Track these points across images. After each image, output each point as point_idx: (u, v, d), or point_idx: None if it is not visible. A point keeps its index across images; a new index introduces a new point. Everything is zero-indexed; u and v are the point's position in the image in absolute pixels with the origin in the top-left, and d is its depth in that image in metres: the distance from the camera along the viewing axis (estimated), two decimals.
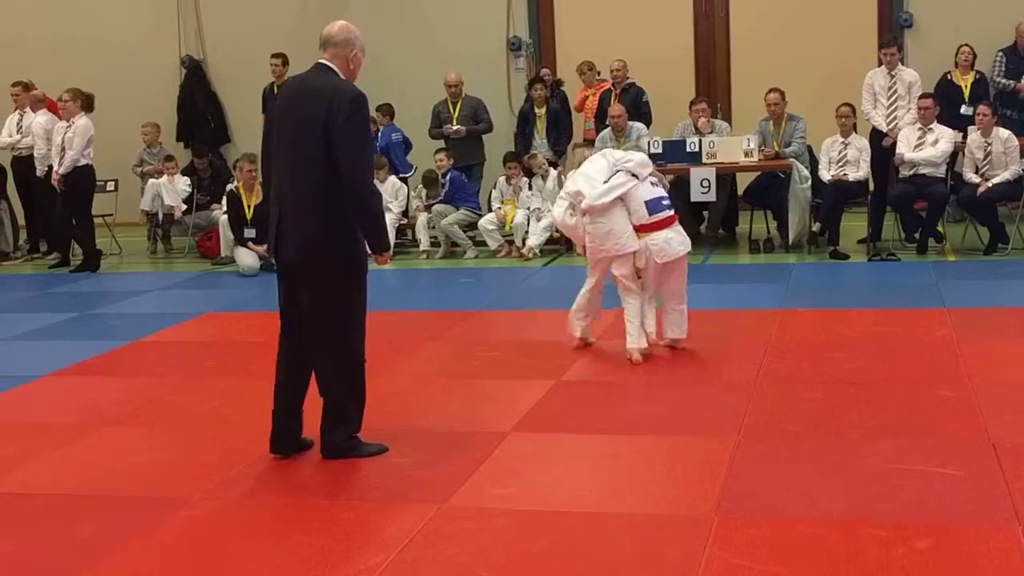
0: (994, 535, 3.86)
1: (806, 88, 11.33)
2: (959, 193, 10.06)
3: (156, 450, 5.31)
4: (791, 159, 10.34)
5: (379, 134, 11.71)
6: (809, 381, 5.95)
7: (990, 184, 9.72)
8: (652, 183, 6.58)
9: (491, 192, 11.44)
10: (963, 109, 10.79)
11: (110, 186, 12.36)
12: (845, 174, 10.08)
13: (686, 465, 4.75)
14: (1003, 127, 10.05)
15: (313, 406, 4.94)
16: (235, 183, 11.15)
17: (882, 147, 10.29)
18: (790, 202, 10.24)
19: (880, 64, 10.68)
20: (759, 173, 10.76)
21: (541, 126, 11.72)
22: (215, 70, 14.13)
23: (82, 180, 10.93)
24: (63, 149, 10.82)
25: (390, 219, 10.68)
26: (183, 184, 12.05)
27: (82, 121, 10.86)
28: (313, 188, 4.72)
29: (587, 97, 11.93)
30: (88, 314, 8.92)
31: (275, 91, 11.55)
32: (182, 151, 13.48)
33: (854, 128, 10.31)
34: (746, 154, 10.47)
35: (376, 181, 10.45)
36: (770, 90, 10.68)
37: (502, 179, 11.26)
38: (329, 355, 4.86)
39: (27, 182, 11.85)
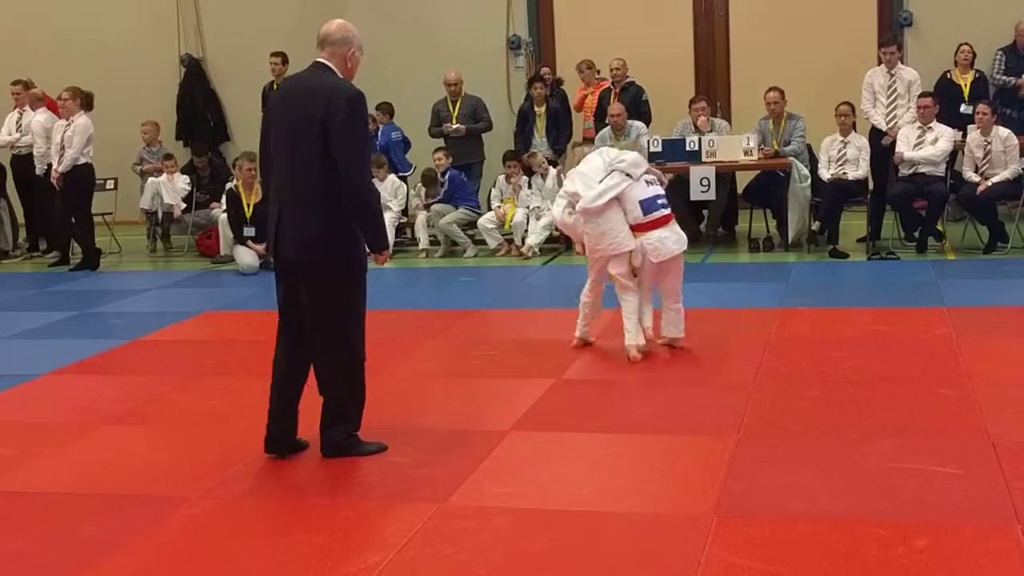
0: (993, 534, 3.86)
1: (806, 87, 11.33)
2: (959, 192, 10.06)
3: (156, 449, 5.31)
4: (791, 158, 10.34)
5: (379, 133, 11.72)
6: (808, 380, 5.95)
7: (990, 183, 9.72)
8: (647, 182, 6.58)
9: (491, 191, 11.44)
10: (963, 108, 10.79)
11: (109, 184, 12.37)
12: (844, 173, 10.08)
13: (686, 464, 4.75)
14: (1003, 126, 10.05)
15: (312, 405, 4.94)
16: (234, 182, 11.15)
17: (882, 146, 10.29)
18: (790, 201, 10.24)
19: (880, 63, 10.67)
20: (759, 172, 10.76)
21: (541, 125, 11.73)
22: (215, 69, 14.13)
23: (81, 178, 10.93)
24: (62, 147, 10.82)
25: (390, 218, 10.68)
26: (182, 183, 12.05)
27: (81, 120, 10.86)
28: (312, 187, 4.71)
29: (586, 96, 11.93)
30: (87, 313, 8.92)
31: (275, 90, 11.54)
32: (181, 150, 13.49)
33: (853, 127, 10.31)
34: (746, 153, 10.47)
35: (375, 180, 10.51)
36: (770, 89, 10.69)
37: (502, 178, 11.26)
38: (329, 354, 4.86)
39: (26, 180, 11.85)
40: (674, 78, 12.49)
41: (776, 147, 10.55)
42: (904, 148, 9.96)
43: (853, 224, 10.67)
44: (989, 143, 9.83)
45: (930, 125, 9.99)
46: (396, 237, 11.29)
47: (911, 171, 9.92)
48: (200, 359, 7.11)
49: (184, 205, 11.97)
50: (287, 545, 4.08)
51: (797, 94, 10.85)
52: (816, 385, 5.83)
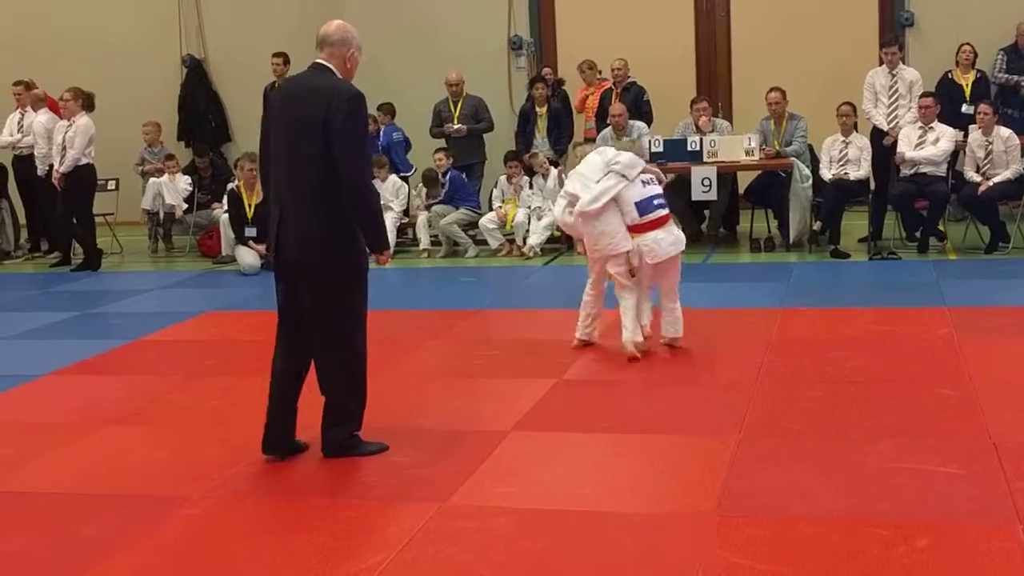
0: (995, 534, 3.86)
1: (807, 87, 11.32)
2: (960, 192, 10.05)
3: (157, 449, 5.31)
4: (792, 158, 10.34)
5: (380, 133, 11.72)
6: (810, 380, 5.95)
7: (991, 183, 9.72)
8: (644, 182, 6.59)
9: (492, 191, 11.45)
10: (964, 108, 10.79)
11: (111, 185, 12.38)
12: (846, 173, 10.08)
13: (687, 464, 4.75)
14: (1004, 126, 10.05)
15: (313, 405, 4.94)
16: (236, 182, 11.16)
17: (883, 146, 10.28)
18: (791, 201, 10.24)
19: (881, 63, 10.67)
20: (760, 172, 10.76)
21: (542, 125, 11.73)
22: (216, 69, 14.13)
23: (83, 179, 10.94)
24: (64, 148, 10.83)
25: (391, 218, 10.69)
26: (184, 183, 12.05)
27: (83, 120, 10.87)
28: (312, 188, 4.72)
29: (588, 96, 11.93)
30: (89, 313, 8.92)
31: (275, 90, 11.55)
32: (183, 150, 13.49)
33: (855, 127, 10.31)
34: (747, 153, 10.47)
35: (377, 180, 10.52)
36: (771, 89, 10.68)
37: (503, 178, 11.26)
38: (329, 354, 4.87)
39: (28, 181, 11.85)
40: (676, 78, 12.48)
41: (777, 147, 10.55)
42: (905, 148, 9.96)
43: (854, 224, 10.67)
44: (990, 143, 9.83)
45: (931, 125, 9.99)
46: (397, 237, 11.29)
47: (912, 171, 9.92)
48: (201, 359, 7.11)
49: (186, 205, 11.97)
50: (288, 545, 4.08)
51: (798, 94, 10.85)
52: (817, 385, 5.83)
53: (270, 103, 5.37)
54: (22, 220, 12.47)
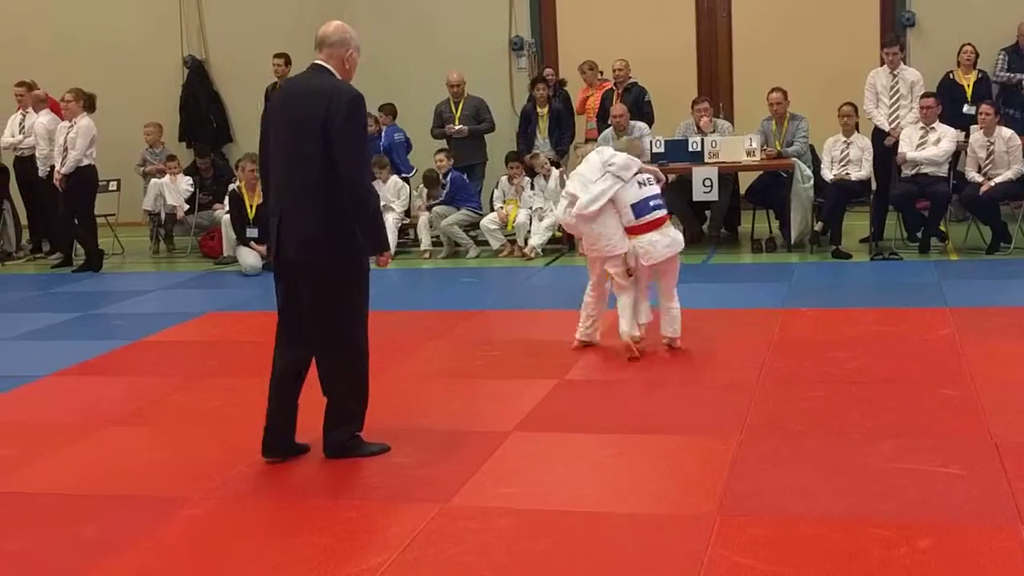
0: (996, 534, 3.86)
1: (808, 87, 11.31)
2: (961, 192, 10.05)
3: (158, 450, 5.32)
4: (793, 158, 10.34)
5: (382, 134, 11.72)
6: (811, 380, 5.95)
7: (992, 183, 9.72)
8: (640, 183, 6.60)
9: (493, 192, 11.45)
10: (965, 108, 10.79)
11: (112, 186, 12.37)
12: (847, 173, 10.07)
13: (688, 464, 4.75)
14: (1006, 126, 10.05)
15: (315, 406, 4.94)
16: (237, 183, 11.15)
17: (884, 146, 10.28)
18: (792, 201, 10.24)
19: (882, 63, 10.66)
20: (761, 172, 10.76)
21: (543, 126, 11.73)
22: (217, 70, 14.14)
23: (84, 180, 10.95)
24: (65, 149, 10.83)
25: (392, 219, 10.69)
26: (185, 184, 12.05)
27: (84, 121, 10.88)
28: (312, 188, 4.72)
29: (589, 97, 11.93)
30: (90, 314, 8.93)
31: (275, 91, 11.56)
32: (184, 151, 13.48)
33: (856, 127, 10.30)
34: (748, 153, 10.47)
35: (378, 181, 10.53)
36: (772, 89, 10.68)
37: (504, 179, 11.26)
38: (330, 354, 4.87)
39: (30, 182, 11.85)
40: (677, 79, 12.47)
41: (779, 148, 10.55)
42: (907, 148, 9.95)
43: (856, 225, 10.67)
44: (992, 143, 9.83)
45: (933, 125, 9.99)
46: (399, 238, 11.29)
47: (914, 172, 9.91)
48: (203, 360, 7.11)
49: (187, 206, 11.97)
50: (289, 546, 4.08)
51: (800, 95, 10.84)
52: (819, 385, 5.83)
53: (270, 104, 5.37)
54: (24, 221, 12.47)
